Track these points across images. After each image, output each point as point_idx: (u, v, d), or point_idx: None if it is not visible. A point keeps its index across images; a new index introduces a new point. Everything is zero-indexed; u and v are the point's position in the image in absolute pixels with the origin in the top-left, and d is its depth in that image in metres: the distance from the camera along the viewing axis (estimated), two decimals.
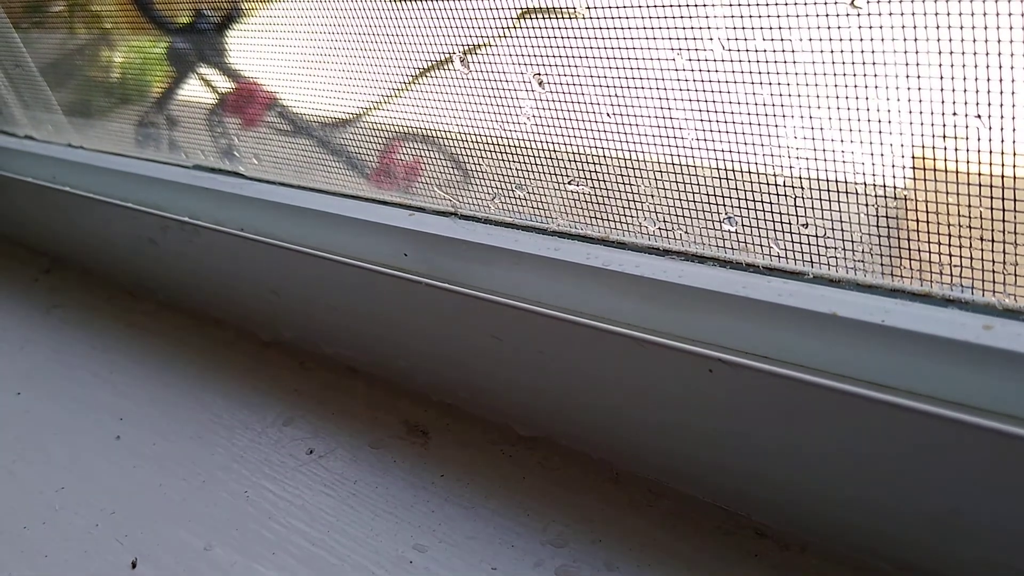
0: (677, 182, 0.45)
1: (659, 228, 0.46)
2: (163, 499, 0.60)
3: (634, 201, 0.47)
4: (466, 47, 0.47)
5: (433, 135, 0.55)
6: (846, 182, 0.40)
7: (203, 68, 0.84)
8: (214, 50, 0.78)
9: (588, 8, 0.43)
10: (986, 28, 0.32)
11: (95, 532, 0.59)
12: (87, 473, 0.64)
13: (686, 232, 0.45)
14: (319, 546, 0.53)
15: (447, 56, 0.48)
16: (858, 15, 0.36)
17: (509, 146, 0.51)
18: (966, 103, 0.34)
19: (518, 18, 0.57)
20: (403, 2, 0.54)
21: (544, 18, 0.51)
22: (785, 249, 0.42)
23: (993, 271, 0.37)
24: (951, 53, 0.33)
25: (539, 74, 0.46)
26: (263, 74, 0.71)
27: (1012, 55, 0.32)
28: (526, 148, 0.50)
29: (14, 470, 0.66)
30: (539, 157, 0.49)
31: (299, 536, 0.54)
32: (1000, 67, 0.33)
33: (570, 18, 0.47)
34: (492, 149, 0.52)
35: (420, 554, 0.50)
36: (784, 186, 0.41)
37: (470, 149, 0.54)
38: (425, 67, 0.52)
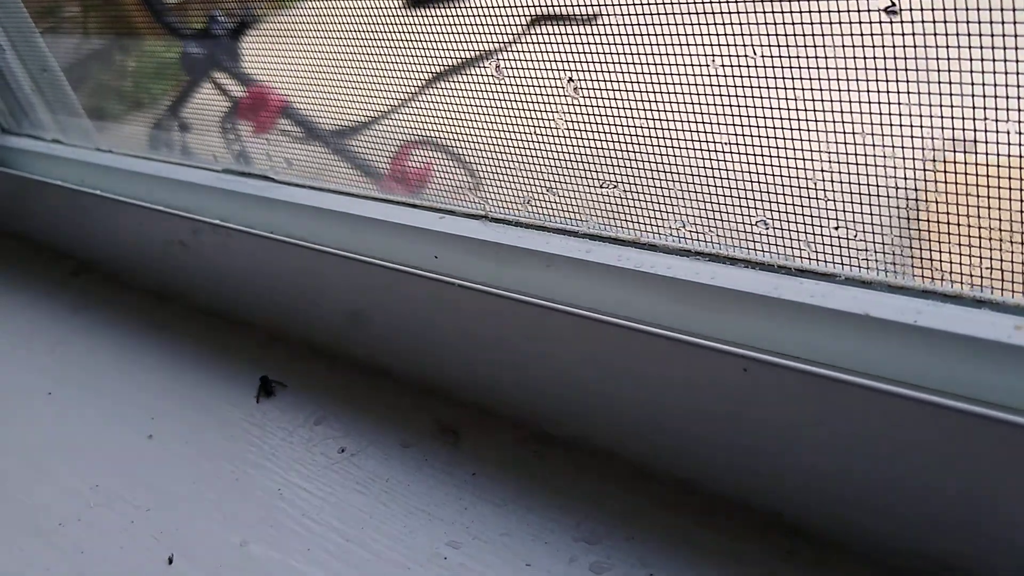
0: (709, 185, 0.45)
1: (690, 231, 0.47)
2: (197, 496, 0.61)
3: (666, 204, 0.48)
4: (499, 49, 0.48)
5: (461, 139, 0.56)
6: (876, 184, 0.41)
7: (218, 73, 0.85)
8: (228, 55, 0.80)
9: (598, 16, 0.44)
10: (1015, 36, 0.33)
11: (131, 529, 0.60)
12: (121, 471, 0.65)
13: (717, 235, 0.46)
14: (353, 542, 0.54)
15: (479, 55, 0.49)
16: (890, 22, 0.37)
17: (542, 149, 0.52)
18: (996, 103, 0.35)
19: (527, 26, 0.58)
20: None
21: (554, 25, 0.52)
22: (816, 251, 0.43)
23: None
24: (971, 60, 0.34)
25: (572, 79, 0.47)
26: (277, 78, 0.72)
27: None
28: (560, 151, 0.51)
29: (47, 469, 0.68)
30: (572, 160, 0.50)
31: (333, 533, 0.55)
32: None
33: (582, 23, 0.48)
34: (525, 152, 0.53)
35: (454, 550, 0.51)
36: (815, 188, 0.42)
37: (501, 153, 0.54)
38: (452, 67, 0.53)
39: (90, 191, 0.85)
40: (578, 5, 0.43)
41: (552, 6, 0.45)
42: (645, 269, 0.47)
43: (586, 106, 0.47)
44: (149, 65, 1.00)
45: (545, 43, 0.46)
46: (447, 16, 0.50)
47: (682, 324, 0.45)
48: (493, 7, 0.47)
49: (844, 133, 0.40)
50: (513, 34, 0.47)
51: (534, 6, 0.45)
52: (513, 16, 0.47)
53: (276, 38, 0.69)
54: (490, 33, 0.48)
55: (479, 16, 0.47)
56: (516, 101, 0.51)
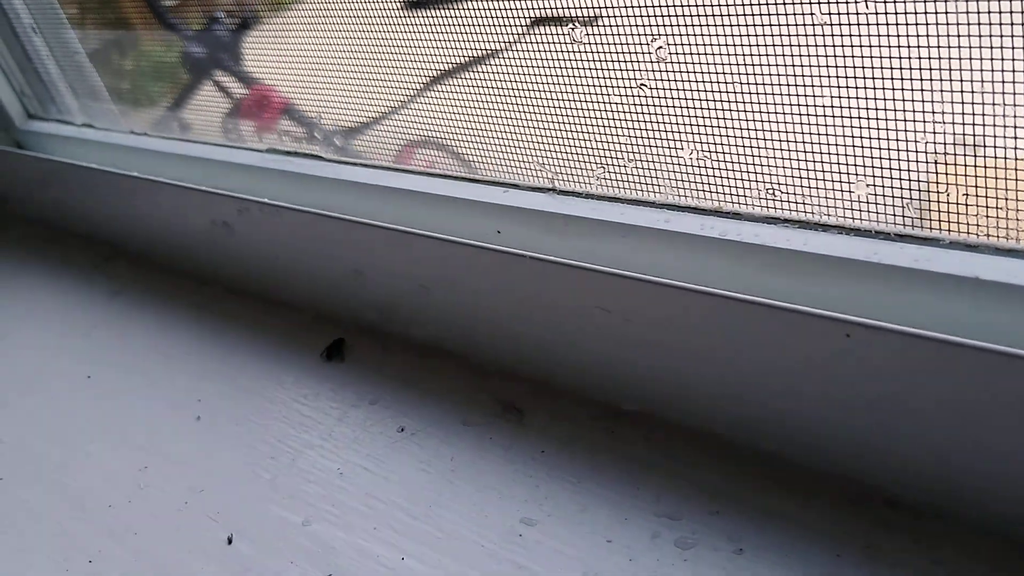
0: (798, 150, 0.44)
1: (778, 197, 0.46)
2: (253, 477, 0.60)
3: (751, 170, 0.46)
4: (585, 13, 0.47)
5: (531, 110, 0.55)
6: (983, 144, 0.40)
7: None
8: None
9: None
10: None
11: (185, 510, 0.58)
12: (169, 453, 0.64)
13: (808, 201, 0.45)
14: (422, 521, 0.53)
15: (563, 17, 0.48)
16: None
17: (618, 118, 0.51)
18: None
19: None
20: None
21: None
22: (918, 215, 0.42)
23: None
24: None
25: (660, 46, 0.46)
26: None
27: None
28: (637, 119, 0.49)
29: (92, 451, 0.66)
30: (649, 129, 0.49)
31: (400, 511, 0.54)
32: None
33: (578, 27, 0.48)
34: (597, 121, 0.52)
35: (530, 527, 0.50)
36: (919, 152, 0.41)
37: (570, 122, 0.53)
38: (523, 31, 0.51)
39: (127, 173, 0.83)
40: None
41: None
42: (731, 237, 0.46)
43: (668, 71, 0.46)
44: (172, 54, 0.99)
45: (631, 5, 0.45)
46: None
47: (774, 292, 0.44)
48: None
49: (951, 92, 0.39)
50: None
51: None
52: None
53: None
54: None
55: None
56: (592, 68, 0.49)
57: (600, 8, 0.46)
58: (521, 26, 0.50)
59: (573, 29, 0.48)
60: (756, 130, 0.45)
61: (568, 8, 0.48)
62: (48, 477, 0.64)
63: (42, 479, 0.64)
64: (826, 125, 0.43)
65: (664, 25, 0.44)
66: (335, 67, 0.65)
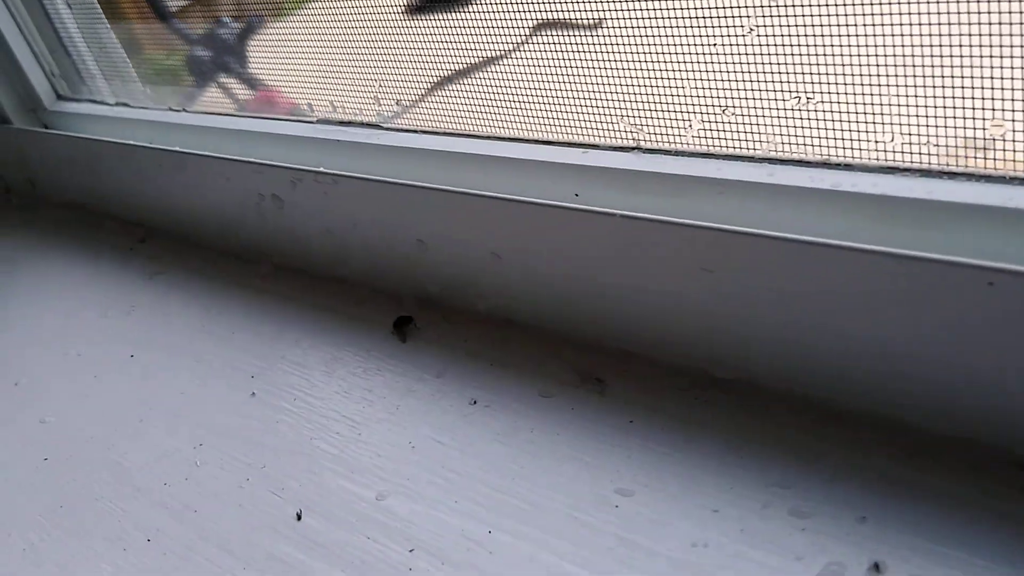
0: (922, 93, 0.42)
1: (899, 144, 0.43)
2: (318, 452, 0.57)
3: (867, 117, 0.44)
4: None
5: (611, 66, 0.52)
6: None
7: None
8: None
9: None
10: None
11: (247, 486, 0.56)
12: (225, 430, 0.61)
13: (932, 147, 0.42)
14: (506, 493, 0.50)
15: None
16: None
17: (715, 67, 0.48)
18: None
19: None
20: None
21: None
22: None
23: None
24: None
25: None
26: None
27: None
28: (738, 67, 0.47)
29: (141, 429, 0.63)
30: (753, 76, 0.46)
31: (480, 484, 0.51)
32: None
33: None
34: (692, 72, 0.49)
35: (626, 498, 0.47)
36: None
37: (658, 76, 0.51)
38: None
39: (168, 148, 0.81)
40: None
41: None
42: (845, 188, 0.44)
43: (776, 10, 0.44)
44: None
45: None
46: None
47: (900, 242, 0.41)
48: None
49: None
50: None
51: None
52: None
53: None
54: None
55: None
56: (686, 12, 0.47)
57: None
58: None
59: None
60: (876, 73, 0.42)
61: None
62: (97, 456, 0.61)
63: (91, 458, 0.61)
64: (951, 65, 0.40)
65: None
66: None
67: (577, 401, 0.55)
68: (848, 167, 0.45)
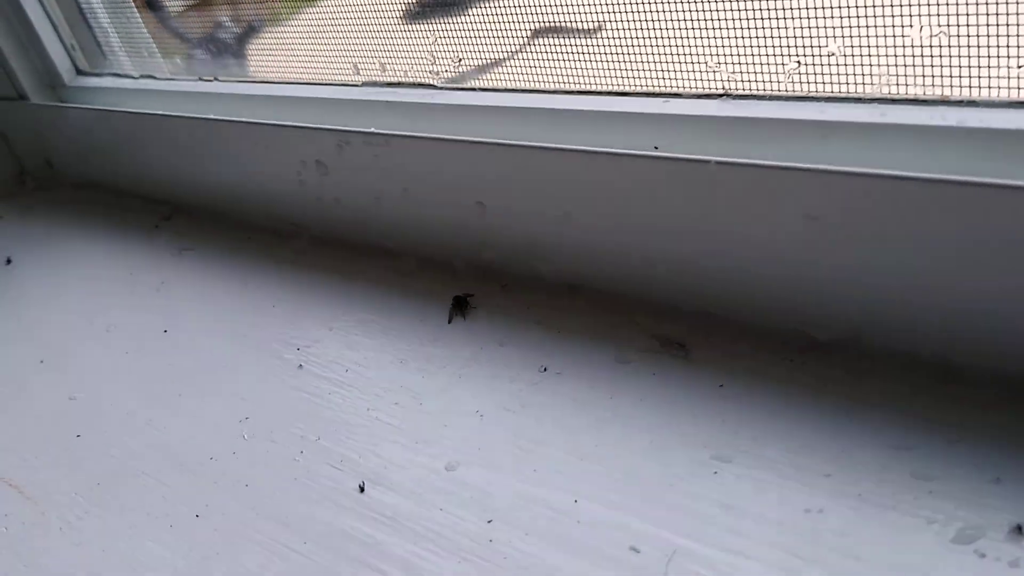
0: None
1: None
2: (377, 423, 0.53)
3: (993, 46, 0.40)
4: None
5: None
6: None
7: None
8: None
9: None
10: None
11: (301, 459, 0.52)
12: (274, 403, 0.57)
13: None
14: (590, 461, 0.46)
15: None
16: None
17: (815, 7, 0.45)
18: None
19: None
20: None
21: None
22: None
23: None
24: None
25: None
26: None
27: None
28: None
29: (181, 404, 0.60)
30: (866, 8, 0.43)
31: (560, 452, 0.47)
32: None
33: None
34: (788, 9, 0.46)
35: (726, 464, 0.43)
36: None
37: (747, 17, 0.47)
38: None
39: (200, 116, 0.77)
40: None
41: None
42: (971, 124, 0.40)
43: None
44: None
45: None
46: None
47: None
48: None
49: None
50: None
51: None
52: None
53: None
54: None
55: None
56: None
57: None
58: None
59: None
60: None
61: None
62: (135, 432, 0.58)
63: (128, 434, 0.57)
64: None
65: None
66: None
67: (659, 367, 0.51)
68: (973, 103, 0.42)
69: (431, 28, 0.61)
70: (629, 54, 0.53)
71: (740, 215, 0.47)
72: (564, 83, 0.57)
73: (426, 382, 0.56)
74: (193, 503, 0.51)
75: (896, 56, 0.43)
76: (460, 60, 0.62)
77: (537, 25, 0.56)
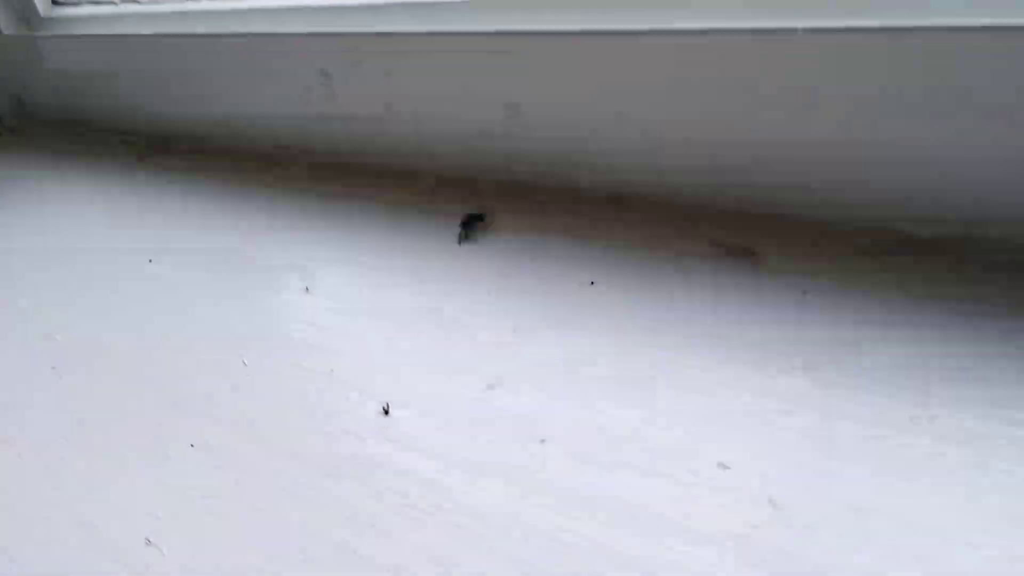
0: None
1: None
2: (398, 350, 0.46)
3: None
4: None
5: None
6: None
7: None
8: None
9: None
10: None
11: (313, 392, 0.45)
12: (276, 334, 0.51)
13: None
14: (655, 377, 0.39)
15: None
16: None
17: None
18: None
19: None
20: None
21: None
22: None
23: None
24: None
25: None
26: None
27: None
28: None
29: (171, 339, 0.52)
30: None
31: (614, 370, 0.40)
32: None
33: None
34: None
35: (812, 371, 0.37)
36: None
37: None
38: None
39: (190, 32, 0.69)
40: None
41: None
42: None
43: None
44: None
45: None
46: None
47: None
48: None
49: None
50: None
51: None
52: None
53: None
54: None
55: None
56: None
57: None
58: None
59: None
60: None
61: None
62: (120, 368, 0.50)
63: (111, 371, 0.50)
64: None
65: None
66: None
67: (726, 275, 0.44)
68: None
69: None
70: None
71: (824, 95, 0.40)
72: None
73: (453, 302, 0.49)
74: (191, 439, 0.44)
75: None
76: None
77: None
